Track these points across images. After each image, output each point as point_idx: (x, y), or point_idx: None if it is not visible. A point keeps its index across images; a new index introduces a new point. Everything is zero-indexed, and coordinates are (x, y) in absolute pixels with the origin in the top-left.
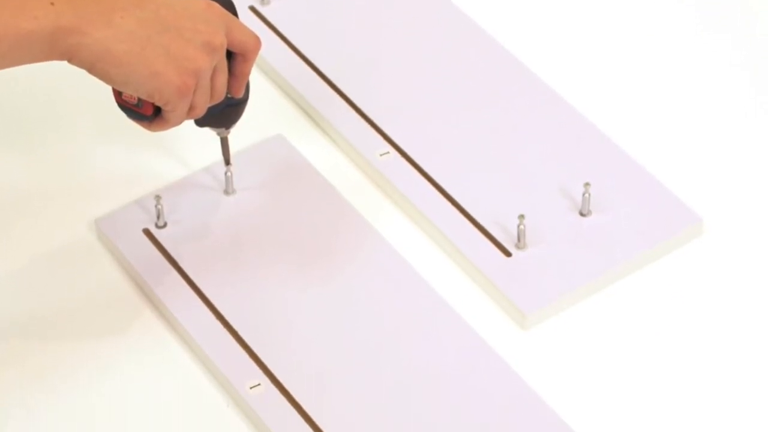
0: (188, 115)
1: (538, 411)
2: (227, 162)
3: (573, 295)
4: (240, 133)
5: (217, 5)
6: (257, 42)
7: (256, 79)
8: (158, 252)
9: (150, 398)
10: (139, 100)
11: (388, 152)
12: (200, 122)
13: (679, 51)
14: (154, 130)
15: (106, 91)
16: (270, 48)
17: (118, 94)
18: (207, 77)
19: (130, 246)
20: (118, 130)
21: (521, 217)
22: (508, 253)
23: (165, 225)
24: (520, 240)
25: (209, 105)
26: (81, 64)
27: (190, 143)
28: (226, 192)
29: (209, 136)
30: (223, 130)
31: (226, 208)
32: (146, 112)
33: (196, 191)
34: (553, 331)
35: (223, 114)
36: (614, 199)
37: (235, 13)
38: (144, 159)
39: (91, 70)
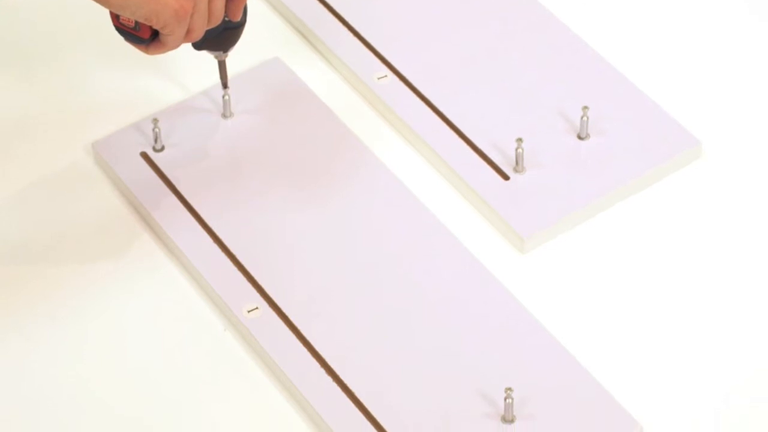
0: (185, 39)
1: (535, 334)
2: (225, 85)
3: (571, 218)
4: (237, 57)
5: None
6: None
7: (253, 2)
8: (156, 175)
9: (147, 322)
10: (137, 23)
11: (386, 76)
12: (198, 46)
13: None
14: (152, 54)
15: (104, 15)
16: None
17: (115, 18)
18: (204, 1)
19: (127, 169)
20: (115, 54)
21: (519, 140)
22: (506, 177)
23: (162, 148)
24: (518, 163)
25: (207, 28)
26: None
27: (188, 67)
28: (224, 115)
29: (207, 59)
30: (221, 53)
31: (223, 132)
32: (144, 36)
33: (193, 115)
34: (551, 254)
35: (220, 37)
36: (613, 123)
37: None
38: (141, 82)
39: None
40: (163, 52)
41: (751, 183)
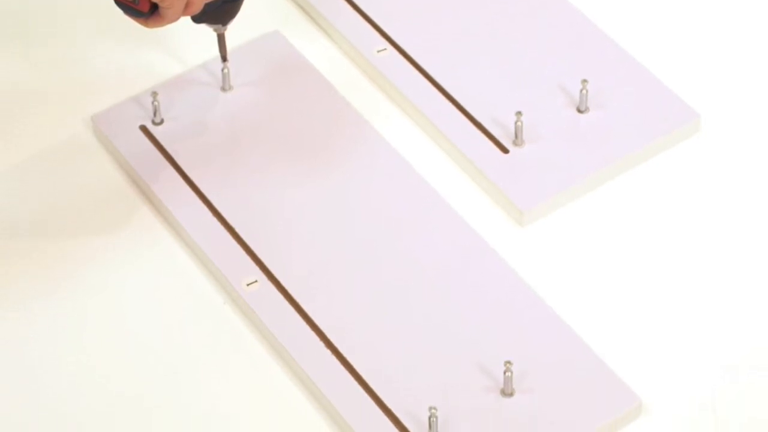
0: (185, 12)
1: (534, 307)
2: (224, 58)
3: (570, 191)
4: (237, 30)
5: None
6: None
7: None
8: (155, 148)
9: (147, 295)
10: None
11: (386, 49)
12: (197, 19)
13: None
14: (151, 27)
15: None
16: None
17: None
18: None
19: (126, 142)
20: (115, 28)
21: (519, 113)
22: (505, 150)
23: (162, 121)
24: (517, 137)
25: (206, 1)
26: None
27: (187, 40)
28: (223, 88)
29: (206, 33)
30: (220, 26)
31: (223, 105)
32: (143, 9)
33: (192, 88)
34: (551, 227)
35: (219, 10)
36: (612, 96)
37: None
38: (141, 56)
39: None
40: (163, 25)
41: (750, 156)
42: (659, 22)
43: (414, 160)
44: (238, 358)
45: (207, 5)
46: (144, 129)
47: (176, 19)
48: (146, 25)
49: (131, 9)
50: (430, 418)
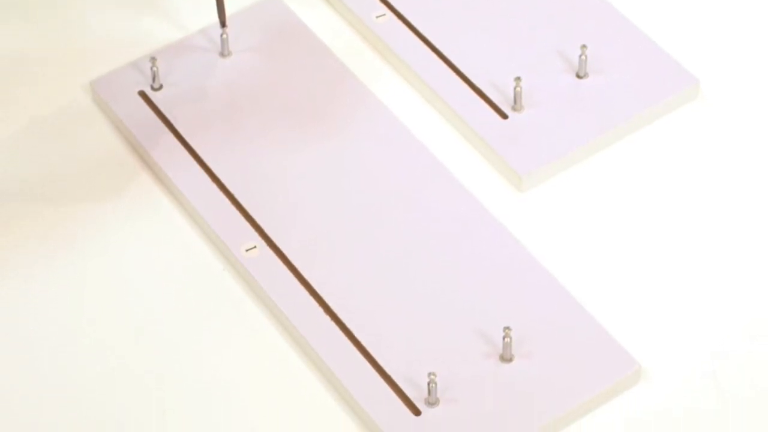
0: None
1: (533, 272)
2: (223, 24)
3: (569, 157)
4: None
5: None
6: None
7: None
8: (154, 114)
9: (145, 261)
10: None
11: (384, 14)
12: None
13: None
14: None
15: None
16: None
17: None
18: None
19: (125, 108)
20: None
21: (518, 79)
22: (504, 116)
23: (161, 87)
24: (516, 102)
25: None
26: None
27: (186, 5)
28: (222, 54)
29: None
30: None
31: (222, 71)
32: None
33: (191, 53)
34: (550, 193)
35: None
36: (611, 61)
37: None
38: (139, 21)
39: None
40: None
41: (749, 121)
42: None
43: (413, 126)
44: (238, 324)
45: None
46: (143, 95)
47: None
48: None
49: None
50: (429, 383)
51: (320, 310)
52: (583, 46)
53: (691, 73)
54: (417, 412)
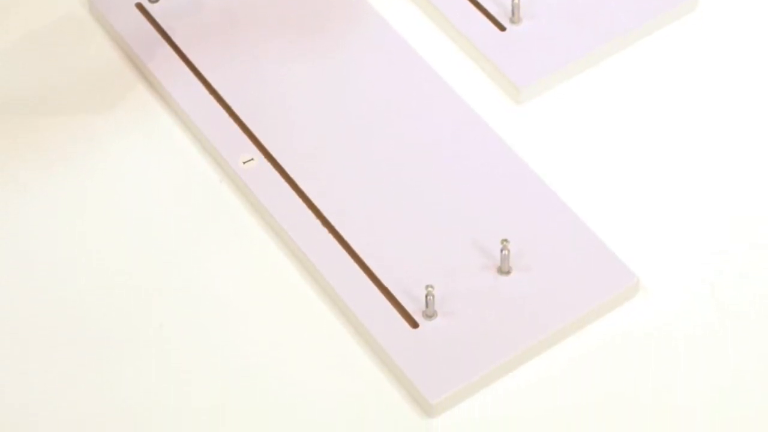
0: None
1: (531, 184)
2: None
3: (567, 69)
4: None
5: None
6: None
7: None
8: (151, 26)
9: (142, 174)
10: None
11: None
12: None
13: None
14: None
15: None
16: None
17: None
18: None
19: (122, 20)
20: None
21: None
22: (502, 27)
23: None
24: (514, 14)
25: None
26: None
27: None
28: None
29: None
30: None
31: None
32: None
33: None
34: (547, 105)
35: None
36: None
37: None
38: None
39: None
40: None
41: (745, 36)
42: None
43: (411, 38)
44: (235, 236)
45: None
46: (140, 7)
47: None
48: None
49: None
50: (426, 296)
51: (317, 222)
52: None
53: None
54: (414, 324)
